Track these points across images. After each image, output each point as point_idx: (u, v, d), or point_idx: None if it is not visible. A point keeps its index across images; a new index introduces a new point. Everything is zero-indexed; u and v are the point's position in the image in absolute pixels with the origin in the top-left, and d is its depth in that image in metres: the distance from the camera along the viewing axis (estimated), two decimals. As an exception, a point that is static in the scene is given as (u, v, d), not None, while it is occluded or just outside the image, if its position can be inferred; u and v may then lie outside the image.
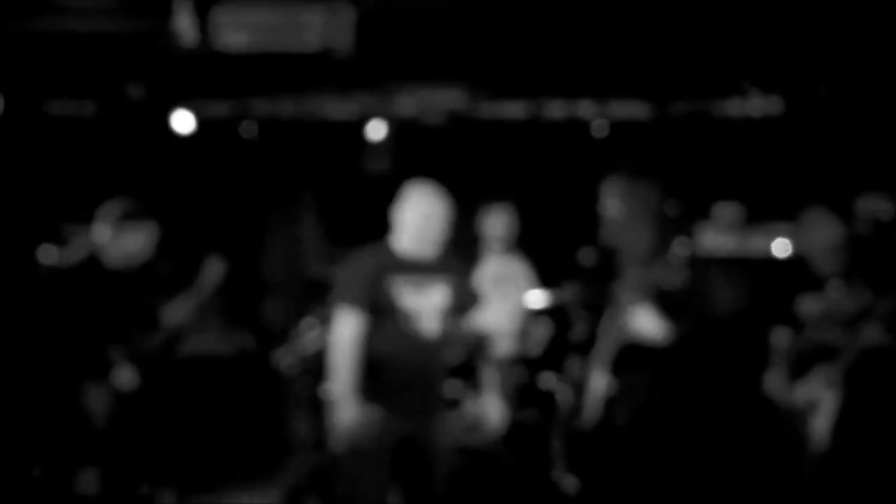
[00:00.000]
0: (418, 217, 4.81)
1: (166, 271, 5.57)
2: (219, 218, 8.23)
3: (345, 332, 4.65)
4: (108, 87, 7.71)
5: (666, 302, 5.01)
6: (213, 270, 5.65)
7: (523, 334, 6.38)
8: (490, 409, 4.90)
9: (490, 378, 4.94)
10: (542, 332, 6.42)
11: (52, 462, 4.97)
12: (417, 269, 4.75)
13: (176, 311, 5.49)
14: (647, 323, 4.99)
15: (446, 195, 4.94)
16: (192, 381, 5.64)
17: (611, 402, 5.11)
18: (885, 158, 7.09)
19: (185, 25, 5.89)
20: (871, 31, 6.49)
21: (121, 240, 5.33)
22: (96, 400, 5.07)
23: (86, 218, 5.65)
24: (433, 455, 4.70)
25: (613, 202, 5.20)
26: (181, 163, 8.14)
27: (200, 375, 5.72)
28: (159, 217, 5.58)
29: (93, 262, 5.30)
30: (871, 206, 5.80)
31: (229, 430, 5.76)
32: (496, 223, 6.54)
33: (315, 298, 6.93)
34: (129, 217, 5.36)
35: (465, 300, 4.87)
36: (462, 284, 4.87)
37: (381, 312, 4.68)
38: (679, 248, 5.19)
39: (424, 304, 4.70)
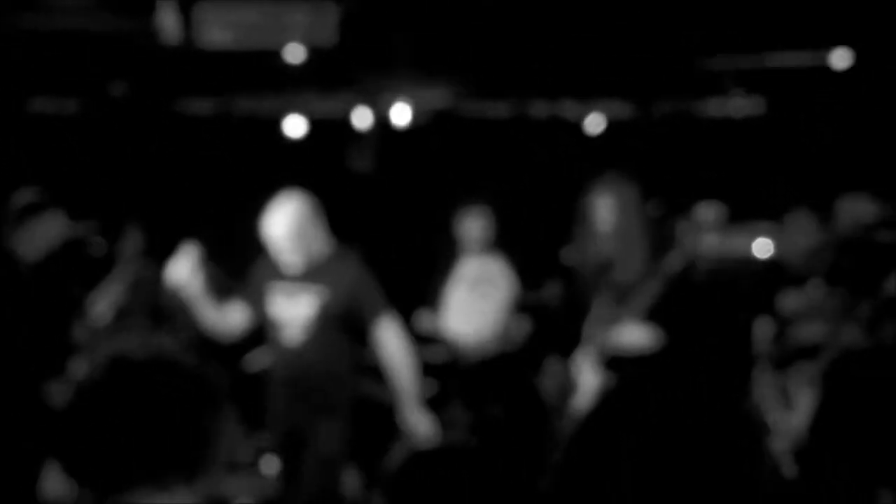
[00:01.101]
0: (269, 231, 4.82)
1: (89, 251, 5.42)
2: (202, 214, 8.22)
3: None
4: (92, 85, 7.69)
5: (657, 315, 4.99)
6: (132, 241, 5.53)
7: (504, 333, 6.40)
8: (416, 422, 4.85)
9: (408, 388, 4.85)
10: (523, 331, 6.44)
11: (22, 460, 4.87)
12: (293, 279, 4.79)
13: (107, 293, 5.35)
14: (632, 335, 4.97)
15: (306, 204, 4.91)
16: (107, 382, 5.49)
17: (605, 396, 5.07)
18: (867, 159, 7.12)
19: (168, 23, 5.89)
20: (852, 32, 6.53)
21: (28, 233, 5.14)
22: (60, 397, 4.93)
23: (71, 214, 5.61)
24: (311, 458, 4.74)
25: (607, 215, 5.09)
26: (165, 159, 8.13)
27: (114, 377, 5.60)
28: (140, 214, 5.54)
29: (8, 260, 5.12)
30: (854, 206, 5.82)
31: (142, 433, 5.65)
32: (472, 226, 6.56)
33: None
34: (32, 209, 5.18)
35: (352, 307, 4.81)
36: (344, 294, 4.78)
37: (267, 320, 4.83)
38: (675, 259, 5.11)
39: (291, 314, 4.75)
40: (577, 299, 5.26)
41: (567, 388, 5.10)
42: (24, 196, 5.08)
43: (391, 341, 4.78)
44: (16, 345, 4.82)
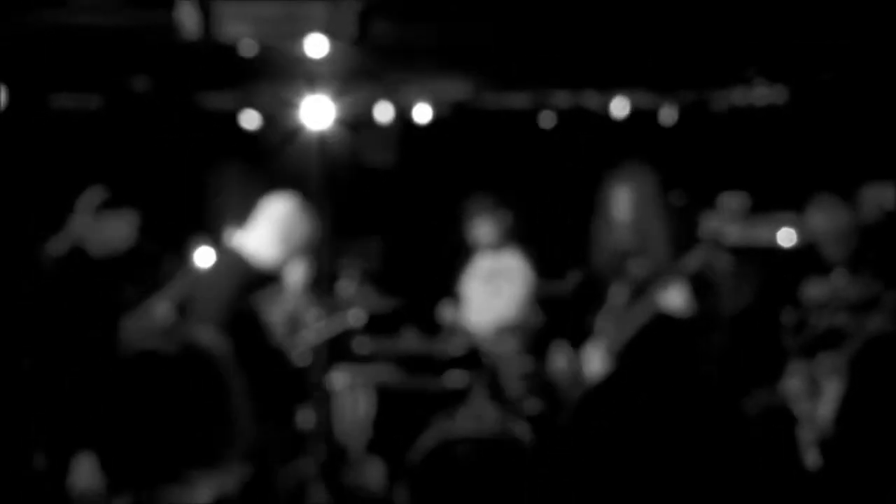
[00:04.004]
0: None
1: (152, 255, 5.47)
2: (222, 208, 8.23)
3: None
4: (112, 80, 7.72)
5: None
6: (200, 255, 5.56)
7: (521, 326, 6.39)
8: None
9: None
10: (539, 324, 6.44)
11: (56, 453, 4.91)
12: None
13: (166, 299, 5.37)
14: (676, 299, 4.92)
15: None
16: (132, 378, 5.47)
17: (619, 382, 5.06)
18: (890, 147, 7.08)
19: (188, 18, 5.89)
20: (875, 20, 6.48)
21: (101, 229, 5.21)
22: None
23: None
24: None
25: (625, 205, 5.08)
26: (185, 154, 8.16)
27: (140, 372, 5.59)
28: (159, 207, 5.53)
29: (76, 253, 5.19)
30: (877, 194, 5.79)
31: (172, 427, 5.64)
32: (481, 233, 6.57)
33: (321, 289, 6.94)
34: (108, 206, 5.24)
35: None
36: None
37: None
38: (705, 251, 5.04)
39: None
40: (591, 290, 5.25)
41: (577, 377, 5.08)
42: (99, 193, 5.16)
43: None
44: (63, 336, 4.88)
